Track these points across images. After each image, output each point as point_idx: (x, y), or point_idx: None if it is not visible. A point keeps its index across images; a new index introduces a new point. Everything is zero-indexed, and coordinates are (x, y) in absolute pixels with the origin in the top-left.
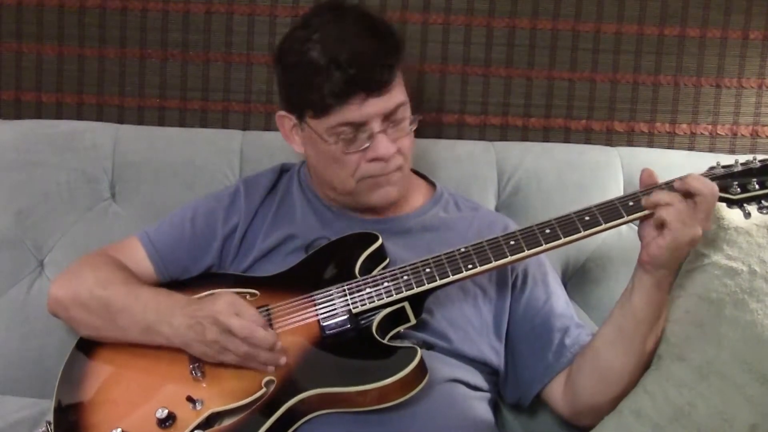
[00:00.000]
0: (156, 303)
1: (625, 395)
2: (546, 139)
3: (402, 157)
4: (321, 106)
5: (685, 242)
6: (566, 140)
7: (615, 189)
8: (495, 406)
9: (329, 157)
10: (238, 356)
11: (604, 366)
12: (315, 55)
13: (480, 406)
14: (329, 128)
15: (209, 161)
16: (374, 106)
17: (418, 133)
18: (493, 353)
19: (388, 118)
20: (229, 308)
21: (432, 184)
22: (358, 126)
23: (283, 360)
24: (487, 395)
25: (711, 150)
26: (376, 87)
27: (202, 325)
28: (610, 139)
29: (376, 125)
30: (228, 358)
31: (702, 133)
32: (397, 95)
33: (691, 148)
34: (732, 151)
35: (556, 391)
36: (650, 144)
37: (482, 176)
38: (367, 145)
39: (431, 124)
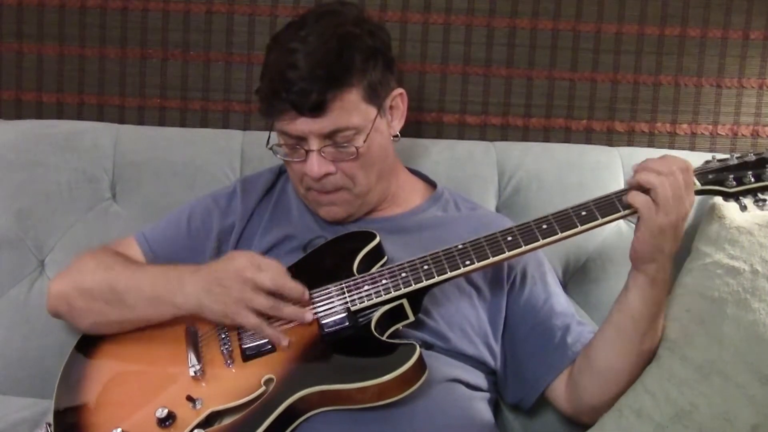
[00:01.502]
0: (164, 275)
1: (623, 393)
2: (546, 139)
3: (347, 178)
4: (267, 108)
5: (669, 222)
6: (567, 140)
7: (615, 189)
8: (495, 405)
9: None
10: (263, 312)
11: (604, 366)
12: (270, 58)
13: (480, 405)
14: (278, 130)
15: (210, 161)
16: (306, 125)
17: (418, 133)
18: (491, 353)
19: (330, 137)
20: (252, 264)
21: (433, 185)
22: (298, 138)
23: (309, 316)
24: (487, 395)
25: (711, 150)
26: (307, 108)
27: (223, 285)
28: (610, 139)
29: (313, 143)
30: (247, 319)
31: (702, 133)
32: (337, 120)
33: (691, 148)
34: (732, 152)
35: (559, 389)
36: (651, 144)
37: (482, 176)
38: (304, 159)
39: (431, 124)
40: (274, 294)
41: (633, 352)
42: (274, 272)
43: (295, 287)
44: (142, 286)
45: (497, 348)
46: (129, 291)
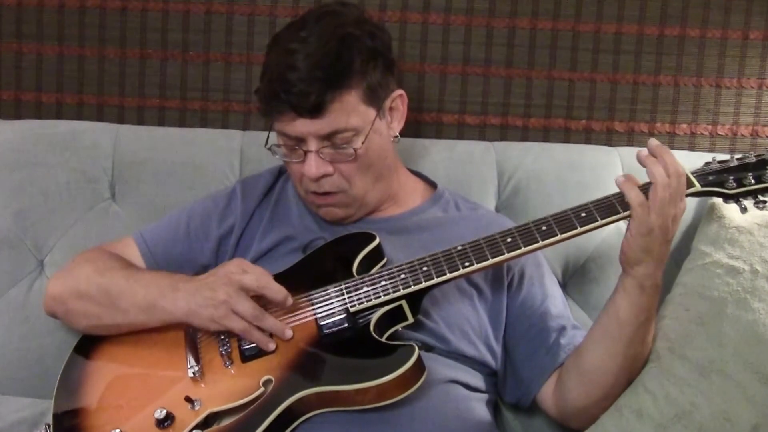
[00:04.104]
0: (157, 281)
1: (609, 398)
2: (546, 140)
3: (344, 179)
4: (266, 108)
5: (659, 224)
6: (566, 140)
7: (615, 189)
8: (495, 406)
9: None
10: (246, 318)
11: (588, 366)
12: (270, 58)
13: (479, 406)
14: (277, 130)
15: (209, 161)
16: (305, 126)
17: (418, 133)
18: (492, 353)
19: (328, 138)
20: (238, 268)
21: (433, 185)
22: (297, 139)
23: (289, 333)
24: (486, 396)
25: (711, 150)
26: (305, 110)
27: (212, 288)
28: (610, 139)
29: (311, 144)
30: (234, 323)
31: (702, 133)
32: (335, 121)
33: (691, 149)
34: (732, 152)
35: (547, 392)
36: None
37: (482, 176)
38: (302, 159)
39: (430, 124)
40: (260, 298)
41: (618, 355)
42: (258, 274)
43: (279, 289)
44: (135, 292)
45: (498, 348)
46: (122, 296)
